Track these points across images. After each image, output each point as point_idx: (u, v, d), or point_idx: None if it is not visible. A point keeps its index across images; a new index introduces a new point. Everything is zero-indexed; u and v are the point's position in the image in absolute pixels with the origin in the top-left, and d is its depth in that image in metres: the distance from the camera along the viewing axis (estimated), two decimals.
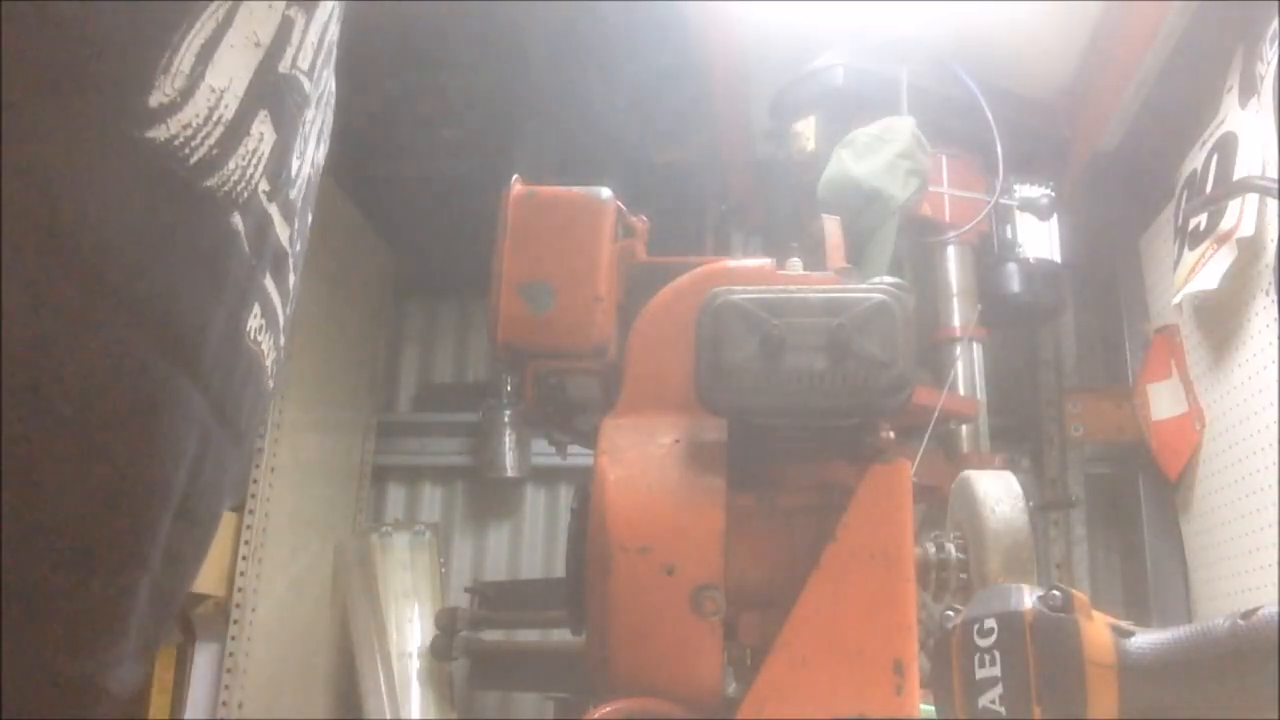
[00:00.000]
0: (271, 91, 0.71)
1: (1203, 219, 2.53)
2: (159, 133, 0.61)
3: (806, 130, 2.72)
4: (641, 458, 1.15)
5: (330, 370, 3.23)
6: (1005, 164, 2.71)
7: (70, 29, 0.57)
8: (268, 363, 0.80)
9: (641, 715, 1.06)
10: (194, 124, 0.63)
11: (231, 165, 0.67)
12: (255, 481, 2.74)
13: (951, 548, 1.19)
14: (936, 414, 2.18)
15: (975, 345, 2.71)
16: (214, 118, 0.65)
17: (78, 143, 0.57)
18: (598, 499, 1.13)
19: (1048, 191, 2.84)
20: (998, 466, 2.47)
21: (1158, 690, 0.90)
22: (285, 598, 2.91)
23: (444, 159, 3.33)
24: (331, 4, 0.84)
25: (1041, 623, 0.93)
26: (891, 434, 1.14)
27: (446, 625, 3.09)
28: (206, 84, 0.64)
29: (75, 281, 0.58)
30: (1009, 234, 2.81)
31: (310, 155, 0.84)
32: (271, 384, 0.83)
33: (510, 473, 3.44)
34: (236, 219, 0.69)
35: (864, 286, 1.12)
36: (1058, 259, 2.85)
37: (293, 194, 0.79)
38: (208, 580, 2.59)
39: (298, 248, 0.83)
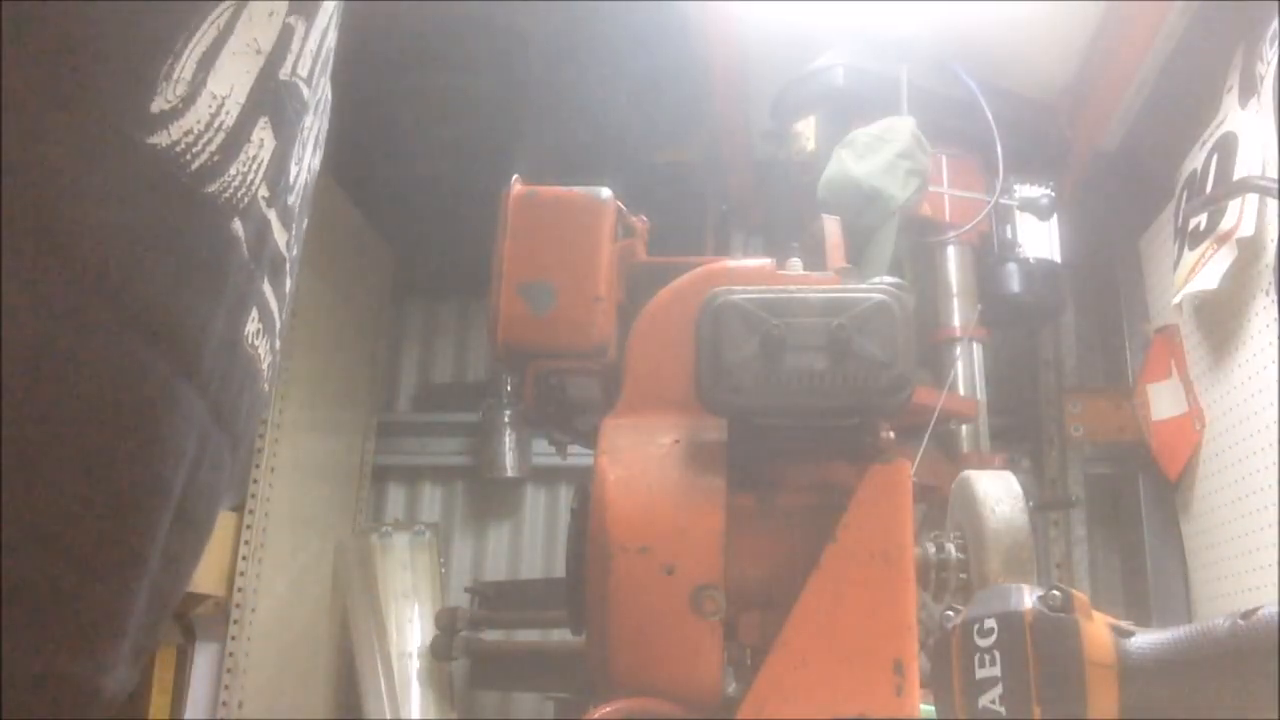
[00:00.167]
0: (272, 99, 0.72)
1: (1203, 219, 2.53)
2: (161, 139, 0.62)
3: (806, 130, 2.72)
4: (641, 458, 1.16)
5: (330, 370, 3.23)
6: (1005, 164, 2.71)
7: (74, 34, 0.57)
8: (264, 366, 0.80)
9: (641, 715, 1.06)
10: (195, 130, 0.64)
11: (232, 171, 0.68)
12: (255, 481, 2.74)
13: (951, 548, 1.19)
14: (936, 414, 2.18)
15: (975, 345, 2.71)
16: (215, 124, 0.66)
17: (80, 147, 0.58)
18: (598, 499, 1.13)
19: (1048, 191, 2.84)
20: (998, 466, 2.47)
21: (1158, 690, 0.90)
22: (285, 598, 2.91)
23: (444, 159, 3.33)
24: (330, 12, 0.84)
25: (1041, 623, 0.93)
26: (891, 434, 1.14)
27: (446, 625, 3.09)
28: (208, 91, 0.65)
29: (76, 285, 0.58)
30: (1009, 234, 2.81)
31: (307, 161, 0.84)
32: (268, 387, 0.84)
33: (510, 473, 3.44)
34: (237, 225, 0.69)
35: (864, 286, 1.12)
36: (1058, 259, 2.85)
37: (291, 200, 0.79)
38: (208, 580, 2.59)
39: (294, 253, 0.84)
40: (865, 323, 1.07)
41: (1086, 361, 3.46)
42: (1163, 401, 2.89)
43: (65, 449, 0.60)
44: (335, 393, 3.28)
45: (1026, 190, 2.82)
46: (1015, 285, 2.77)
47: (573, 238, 1.37)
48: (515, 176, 1.43)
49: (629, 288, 1.41)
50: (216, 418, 0.73)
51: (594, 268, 1.35)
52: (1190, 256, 2.58)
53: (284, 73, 0.74)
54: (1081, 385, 3.38)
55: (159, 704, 2.56)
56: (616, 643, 1.09)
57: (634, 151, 3.32)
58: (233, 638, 2.66)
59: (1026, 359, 3.44)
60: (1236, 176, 2.35)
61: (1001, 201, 2.77)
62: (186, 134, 0.63)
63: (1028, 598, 0.96)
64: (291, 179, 0.79)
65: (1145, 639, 0.92)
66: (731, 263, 1.37)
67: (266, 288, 0.77)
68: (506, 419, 3.48)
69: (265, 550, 2.77)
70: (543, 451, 3.43)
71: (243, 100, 0.68)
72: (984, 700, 0.94)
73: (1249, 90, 2.37)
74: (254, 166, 0.70)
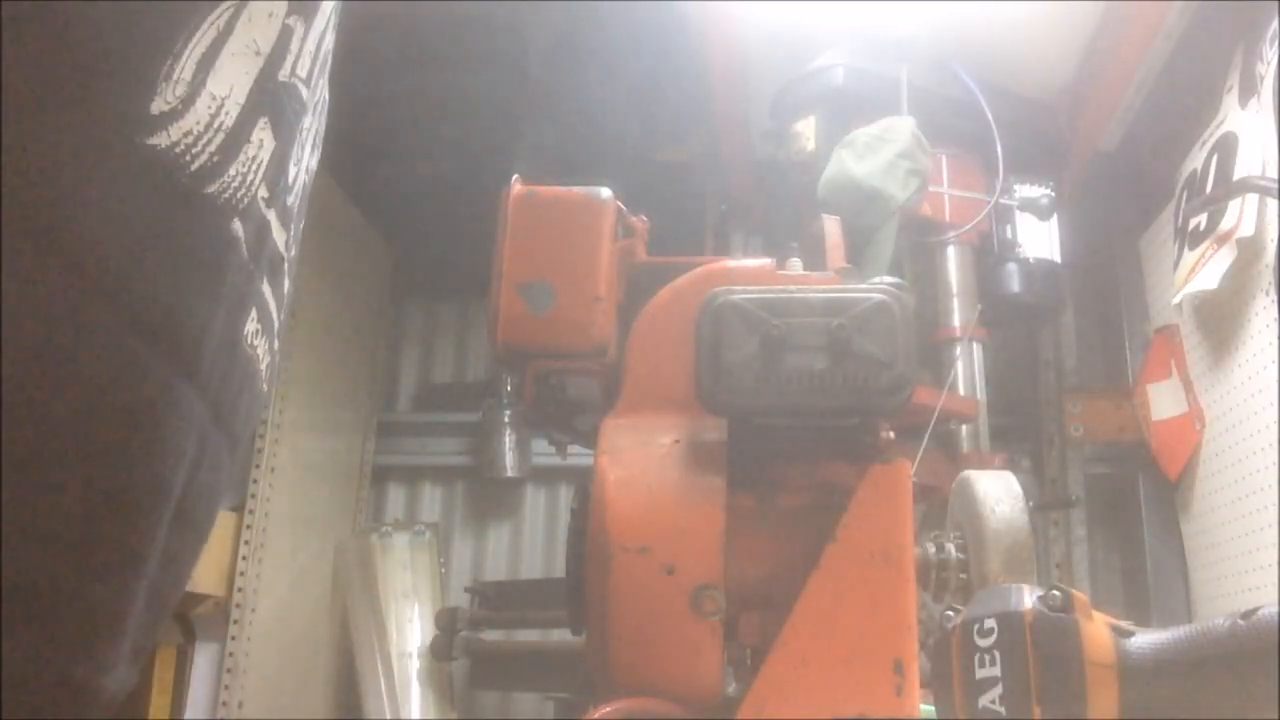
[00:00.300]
0: (271, 99, 0.72)
1: (1203, 219, 2.53)
2: (160, 139, 0.62)
3: (806, 130, 2.72)
4: (641, 458, 1.16)
5: (330, 370, 3.23)
6: (1005, 164, 2.71)
7: (73, 34, 0.57)
8: (263, 367, 0.80)
9: (641, 715, 1.06)
10: (195, 131, 0.64)
11: (232, 172, 0.68)
12: (255, 481, 2.74)
13: (951, 548, 1.19)
14: (936, 414, 2.18)
15: (975, 345, 2.71)
16: (215, 125, 0.66)
17: (80, 148, 0.58)
18: (598, 499, 1.13)
19: (1048, 191, 2.84)
20: (998, 466, 2.47)
21: (1158, 690, 0.90)
22: (285, 598, 2.91)
23: (444, 159, 3.33)
24: (329, 13, 0.84)
25: (1041, 623, 0.93)
26: (891, 434, 1.14)
27: (446, 625, 3.09)
28: (208, 91, 0.65)
29: (76, 286, 0.58)
30: (1009, 234, 2.81)
31: (306, 162, 0.85)
32: (266, 388, 0.84)
33: (510, 473, 3.44)
34: (236, 225, 0.69)
35: (864, 286, 1.12)
36: (1058, 259, 2.85)
37: (290, 200, 0.79)
38: (208, 580, 2.59)
39: (293, 253, 0.84)
40: (865, 323, 1.07)
41: (1086, 361, 3.46)
42: (1163, 401, 2.89)
43: (64, 449, 0.60)
44: (335, 393, 3.28)
45: (1026, 190, 2.82)
46: (1015, 285, 2.77)
47: (573, 238, 1.37)
48: (515, 176, 1.43)
49: (629, 288, 1.41)
50: (216, 418, 0.73)
51: (594, 268, 1.35)
52: (1190, 256, 2.58)
53: (283, 74, 0.74)
54: (1081, 385, 3.38)
55: (159, 704, 2.56)
56: (616, 642, 1.09)
57: (634, 151, 3.32)
58: (233, 638, 2.66)
59: (1026, 359, 3.44)
60: (1236, 176, 2.35)
61: (1001, 201, 2.77)
62: (186, 135, 0.63)
63: (1028, 598, 0.96)
64: (290, 179, 0.79)
65: (1145, 639, 0.93)
66: (731, 263, 1.37)
67: (265, 288, 0.77)
68: (506, 419, 3.48)
69: (265, 550, 2.77)
70: (543, 451, 3.43)
71: (242, 101, 0.68)
72: (984, 700, 0.94)
73: (1249, 90, 2.37)
74: (254, 167, 0.70)
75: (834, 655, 1.06)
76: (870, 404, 1.08)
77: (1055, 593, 0.95)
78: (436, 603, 3.33)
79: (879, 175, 2.43)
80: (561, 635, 3.07)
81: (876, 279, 1.15)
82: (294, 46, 0.75)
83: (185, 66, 0.63)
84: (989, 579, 1.11)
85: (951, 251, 2.76)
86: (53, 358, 0.58)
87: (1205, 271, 2.45)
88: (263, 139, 0.71)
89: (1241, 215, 2.31)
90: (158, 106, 0.61)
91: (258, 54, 0.70)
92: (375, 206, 3.46)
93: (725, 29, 2.72)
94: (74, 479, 0.60)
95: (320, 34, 0.81)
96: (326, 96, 0.94)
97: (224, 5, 0.66)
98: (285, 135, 0.75)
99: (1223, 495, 2.57)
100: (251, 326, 0.75)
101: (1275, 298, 2.23)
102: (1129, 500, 3.18)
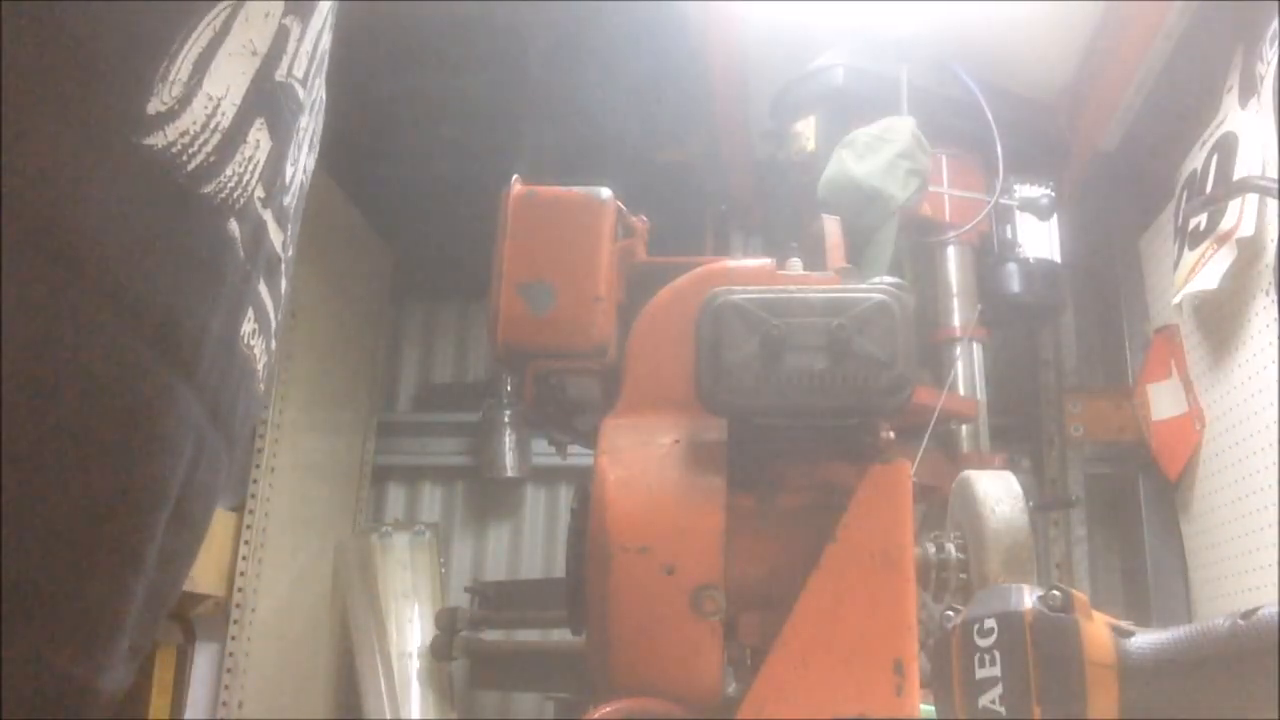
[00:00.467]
0: (268, 100, 0.72)
1: (1203, 219, 2.53)
2: (157, 140, 0.62)
3: (806, 130, 2.72)
4: (641, 458, 1.16)
5: (331, 370, 3.23)
6: (1005, 164, 2.71)
7: (70, 35, 0.57)
8: (260, 367, 0.81)
9: (641, 715, 1.06)
10: (191, 131, 0.64)
11: (229, 172, 0.68)
12: (255, 481, 2.74)
13: (951, 548, 1.19)
14: (936, 414, 2.18)
15: (975, 345, 2.71)
16: (211, 125, 0.66)
17: (78, 148, 0.58)
18: (598, 499, 1.13)
19: (1048, 191, 2.84)
20: (998, 466, 2.47)
21: (1158, 690, 0.90)
22: (285, 598, 2.91)
23: (444, 159, 3.33)
24: (325, 12, 0.84)
25: (1041, 623, 0.93)
26: (891, 434, 1.14)
27: (446, 625, 3.09)
28: (204, 92, 0.65)
29: (74, 286, 0.58)
30: (1009, 234, 2.81)
31: (303, 162, 0.85)
32: (263, 388, 0.84)
33: (510, 473, 3.44)
34: (233, 225, 0.69)
35: (864, 286, 1.12)
36: (1058, 259, 2.85)
37: (286, 200, 0.79)
38: (207, 580, 2.59)
39: (290, 253, 0.84)
40: (865, 323, 1.07)
41: (1086, 361, 3.46)
42: (1163, 401, 2.89)
43: (63, 449, 0.60)
44: (335, 393, 3.28)
45: (1026, 190, 2.83)
46: (1015, 285, 2.78)
47: (572, 238, 1.37)
48: (515, 176, 1.43)
49: (629, 288, 1.41)
50: (213, 418, 0.73)
51: (594, 268, 1.35)
52: (1190, 256, 2.58)
53: (280, 74, 0.74)
54: (1081, 385, 3.38)
55: (159, 704, 2.56)
56: (616, 643, 1.09)
57: (634, 151, 3.32)
58: (233, 638, 2.66)
59: (1026, 359, 3.44)
60: (1236, 177, 2.35)
61: (1001, 201, 2.77)
62: (182, 135, 0.63)
63: (1028, 598, 0.96)
64: (287, 180, 0.79)
65: (1145, 639, 0.93)
66: (731, 263, 1.37)
67: (262, 288, 0.77)
68: (506, 419, 3.48)
69: (265, 550, 2.77)
70: (543, 451, 3.43)
71: (239, 101, 0.68)
72: (984, 700, 0.94)
73: (1249, 90, 2.37)
74: (250, 168, 0.70)
75: (834, 655, 1.06)
76: (870, 404, 1.08)
77: (1055, 593, 0.95)
78: (436, 603, 3.33)
79: (879, 175, 2.43)
80: (562, 635, 3.07)
81: (876, 279, 1.15)
82: (290, 47, 0.75)
83: (181, 67, 0.63)
84: (989, 579, 1.12)
85: (951, 251, 2.76)
86: (52, 358, 0.58)
87: (1205, 271, 2.45)
88: (259, 139, 0.71)
89: (1241, 215, 2.31)
90: (154, 107, 0.61)
91: (254, 54, 0.70)
92: (375, 207, 3.46)
93: (725, 29, 2.72)
94: (72, 479, 0.60)
95: (317, 34, 0.81)
96: (323, 96, 0.94)
97: (220, 5, 0.66)
98: (282, 136, 0.75)
99: (1223, 495, 2.57)
100: (248, 327, 0.75)
101: (1275, 298, 2.23)
102: (1129, 500, 3.18)
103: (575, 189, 1.41)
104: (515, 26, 3.06)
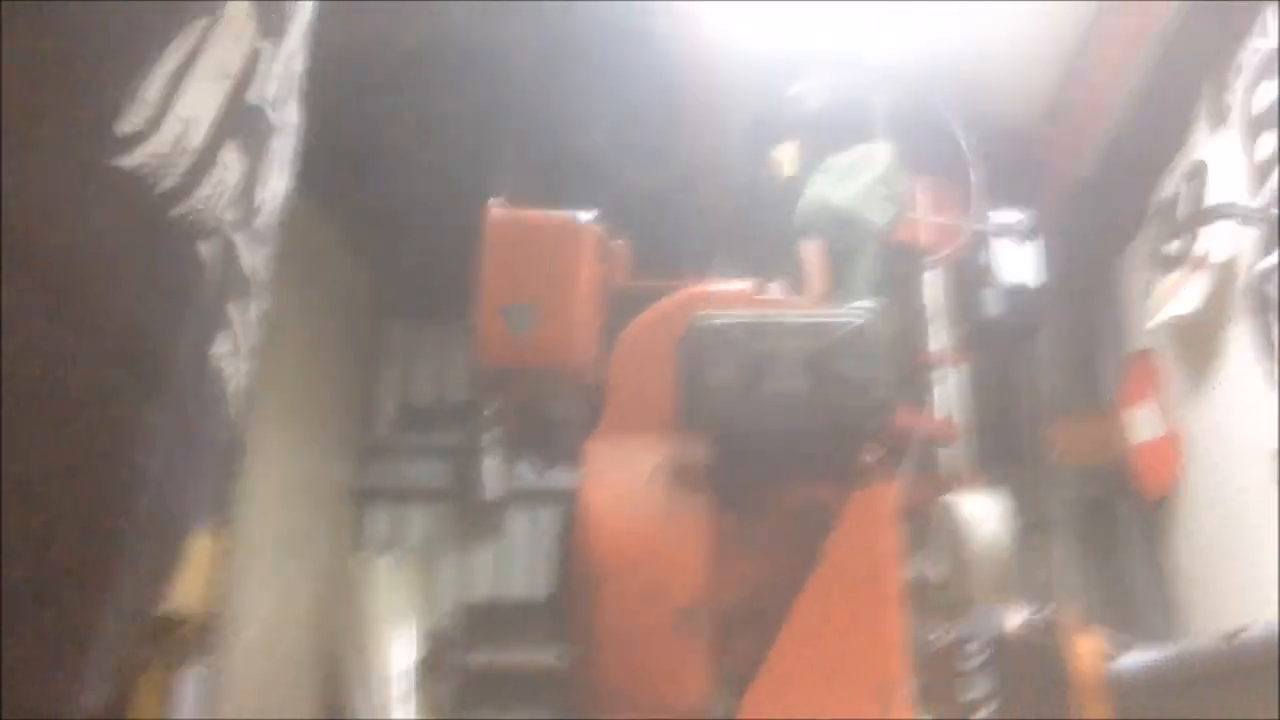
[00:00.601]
0: (240, 122, 0.72)
1: (1177, 244, 2.56)
2: (127, 160, 0.62)
3: (785, 155, 2.74)
4: (626, 479, 1.16)
5: (312, 393, 3.21)
6: (983, 190, 2.73)
7: (44, 55, 0.57)
8: (231, 386, 0.80)
9: None
10: (162, 153, 0.64)
11: (199, 194, 0.67)
12: (238, 504, 2.71)
13: (934, 568, 1.19)
14: (917, 437, 2.18)
15: (954, 369, 2.72)
16: (182, 147, 0.65)
17: (54, 168, 0.57)
18: (583, 522, 1.13)
19: (1024, 217, 2.86)
20: (978, 488, 2.48)
21: (1146, 709, 0.90)
22: (271, 620, 2.88)
23: (423, 181, 3.33)
24: (298, 35, 0.84)
25: (1029, 643, 0.94)
26: (872, 457, 1.15)
27: (432, 647, 3.06)
28: (175, 113, 0.64)
29: (46, 306, 0.58)
30: (987, 259, 2.83)
31: (275, 184, 0.84)
32: (234, 406, 0.84)
33: (493, 494, 3.43)
34: (203, 248, 0.69)
35: (843, 311, 1.13)
36: (1035, 283, 2.86)
37: (258, 222, 0.79)
38: (192, 603, 2.56)
39: (263, 275, 0.84)
40: (845, 347, 1.08)
41: (1065, 385, 3.47)
42: (1141, 424, 2.91)
43: (26, 466, 0.59)
44: (317, 416, 3.27)
45: (1004, 215, 2.85)
46: (993, 309, 2.79)
47: (553, 260, 1.37)
48: (494, 200, 1.43)
49: (609, 310, 1.41)
50: (183, 437, 0.73)
51: (575, 290, 1.35)
52: (1167, 281, 2.60)
53: (252, 96, 0.74)
54: (1060, 408, 3.39)
55: None
56: (602, 664, 1.08)
57: (614, 175, 3.32)
58: (217, 660, 2.63)
59: (1005, 382, 3.45)
60: (1207, 203, 2.38)
61: (978, 227, 2.79)
62: (152, 156, 0.63)
63: (1017, 618, 0.96)
64: (258, 203, 0.79)
65: (1134, 658, 0.93)
66: (712, 286, 1.37)
67: (233, 309, 0.77)
68: (489, 441, 3.46)
69: (250, 573, 2.74)
70: (525, 473, 3.42)
71: (210, 124, 0.68)
72: None
73: (1217, 119, 2.40)
74: (221, 190, 0.70)
75: (820, 676, 1.06)
76: (850, 426, 1.08)
77: (1043, 613, 0.95)
78: (422, 625, 3.30)
79: (857, 200, 2.45)
80: (547, 657, 3.05)
81: (856, 303, 1.16)
82: (262, 69, 0.75)
83: (152, 87, 0.63)
84: (971, 595, 1.12)
85: (929, 276, 2.78)
86: (19, 374, 0.57)
87: (1181, 295, 2.47)
88: (230, 162, 0.71)
89: (1215, 241, 2.34)
90: (125, 127, 0.61)
91: (226, 76, 0.70)
92: (355, 228, 3.45)
93: (705, 55, 2.74)
94: (35, 495, 0.60)
95: (289, 56, 0.81)
96: (295, 119, 0.94)
97: (193, 26, 0.65)
98: (254, 158, 0.75)
99: (1202, 516, 2.59)
100: (221, 348, 0.75)
101: (1249, 320, 2.25)
102: (1108, 522, 3.19)
103: (556, 213, 1.42)
104: (495, 50, 3.07)
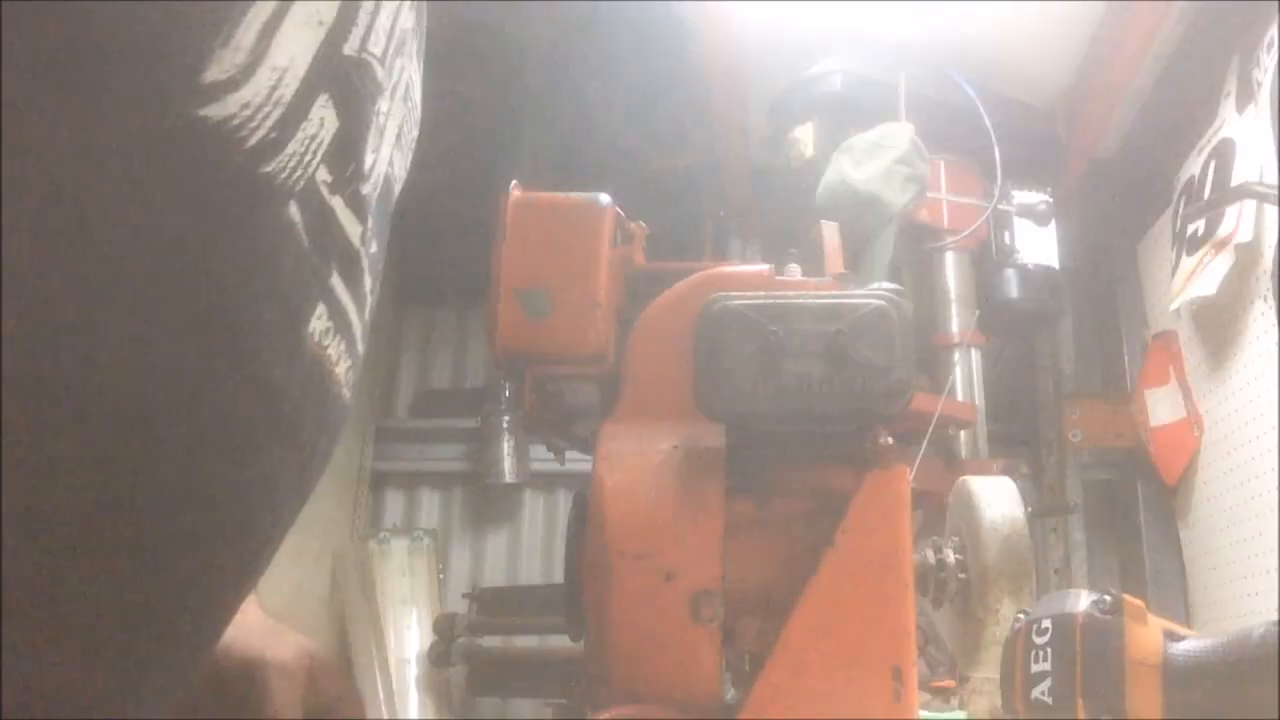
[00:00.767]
0: (335, 74, 0.65)
1: (1200, 225, 2.54)
2: (215, 111, 0.56)
3: (805, 136, 2.73)
4: (640, 464, 1.15)
5: None
6: (1003, 170, 2.71)
7: (126, 3, 0.53)
8: (338, 370, 0.72)
9: None
10: (254, 104, 0.58)
11: (290, 150, 0.61)
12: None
13: (949, 551, 1.19)
14: (935, 420, 2.18)
15: (973, 351, 2.72)
16: (274, 98, 0.60)
17: (129, 122, 0.53)
18: (596, 505, 1.13)
19: (1046, 197, 2.84)
20: (996, 472, 2.47)
21: (1198, 692, 0.96)
22: (283, 603, 2.90)
23: (442, 165, 3.33)
24: None
25: (1090, 623, 1.00)
26: (890, 440, 1.14)
27: (445, 631, 3.09)
28: (269, 61, 0.59)
29: (122, 277, 0.53)
30: (1007, 240, 2.81)
31: (388, 153, 0.77)
32: (348, 393, 0.76)
33: (509, 478, 3.44)
34: (293, 209, 0.63)
35: (862, 292, 1.12)
36: (1056, 264, 2.85)
37: (365, 189, 0.72)
38: None
39: (373, 249, 0.77)
40: (863, 329, 1.07)
41: (1085, 367, 3.46)
42: (1161, 407, 2.90)
43: (72, 450, 0.54)
44: None
45: (1024, 196, 2.83)
46: (1013, 291, 2.78)
47: (571, 243, 1.37)
48: (514, 182, 1.43)
49: (627, 293, 1.41)
50: (273, 421, 0.66)
51: (592, 273, 1.35)
52: (1188, 262, 2.58)
53: (350, 47, 0.67)
54: (1080, 391, 3.38)
55: None
56: (615, 649, 1.08)
57: (632, 157, 3.32)
58: None
59: (1024, 364, 3.44)
60: (1234, 183, 2.35)
61: (999, 207, 2.78)
62: (244, 107, 0.58)
63: (1083, 601, 1.02)
64: (366, 167, 0.72)
65: (1190, 643, 0.98)
66: (730, 268, 1.37)
67: (337, 282, 0.70)
68: (505, 425, 3.47)
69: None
70: (541, 457, 3.43)
71: (302, 74, 0.62)
72: (1035, 692, 1.01)
73: (1246, 96, 2.37)
74: (312, 146, 0.63)
75: (832, 661, 1.06)
76: (868, 410, 1.08)
77: (1107, 597, 1.01)
78: (435, 609, 3.33)
79: (877, 181, 2.44)
80: (560, 641, 3.06)
81: (875, 285, 1.15)
82: (362, 19, 0.69)
83: (247, 33, 0.58)
84: (987, 573, 1.12)
85: (950, 257, 2.77)
86: (103, 350, 0.53)
87: (1203, 277, 2.45)
88: (324, 117, 0.65)
89: (1239, 221, 2.31)
90: (213, 75, 0.56)
91: (320, 24, 0.64)
92: None
93: (723, 35, 2.72)
94: (85, 489, 0.57)
95: (395, 9, 0.74)
96: (414, 83, 0.88)
97: None
98: (353, 115, 0.68)
99: (1221, 500, 2.58)
100: (320, 324, 0.68)
101: (1273, 304, 2.23)
102: (1128, 506, 3.18)
103: (574, 195, 1.41)
104: (513, 32, 3.07)
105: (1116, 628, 0.99)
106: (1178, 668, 0.96)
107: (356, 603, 3.20)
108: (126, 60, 0.54)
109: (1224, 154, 2.45)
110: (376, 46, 0.70)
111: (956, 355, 2.67)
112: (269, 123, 0.59)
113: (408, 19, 0.77)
